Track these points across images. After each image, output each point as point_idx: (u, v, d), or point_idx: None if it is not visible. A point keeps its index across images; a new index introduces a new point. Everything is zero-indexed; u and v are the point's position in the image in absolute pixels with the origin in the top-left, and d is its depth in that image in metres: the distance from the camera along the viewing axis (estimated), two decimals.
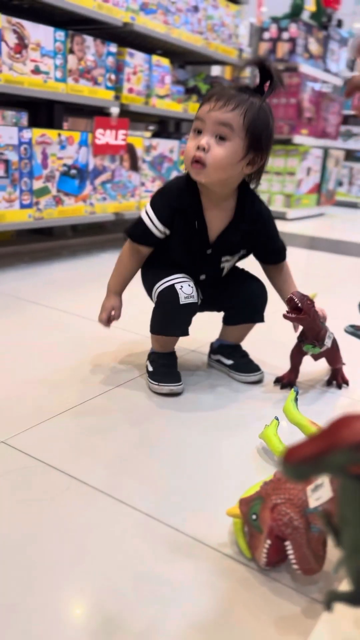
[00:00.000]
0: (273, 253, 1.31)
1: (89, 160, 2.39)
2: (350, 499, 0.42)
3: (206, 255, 1.22)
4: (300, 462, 0.38)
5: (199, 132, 1.12)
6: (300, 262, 3.04)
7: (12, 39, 1.97)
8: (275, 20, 4.46)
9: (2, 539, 0.77)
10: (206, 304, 1.32)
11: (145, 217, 1.20)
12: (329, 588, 0.71)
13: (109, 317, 1.29)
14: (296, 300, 1.20)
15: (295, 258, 3.09)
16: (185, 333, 1.25)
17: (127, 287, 1.30)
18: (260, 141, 1.12)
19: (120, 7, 2.41)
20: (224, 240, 1.21)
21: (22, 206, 2.14)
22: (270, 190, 4.67)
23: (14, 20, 1.97)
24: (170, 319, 1.23)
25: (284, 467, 0.39)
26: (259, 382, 1.32)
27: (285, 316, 1.21)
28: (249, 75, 3.63)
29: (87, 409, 1.14)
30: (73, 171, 2.32)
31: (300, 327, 1.27)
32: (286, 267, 1.35)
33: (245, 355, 1.37)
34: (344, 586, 0.69)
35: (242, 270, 1.36)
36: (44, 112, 2.49)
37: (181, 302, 1.18)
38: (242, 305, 1.33)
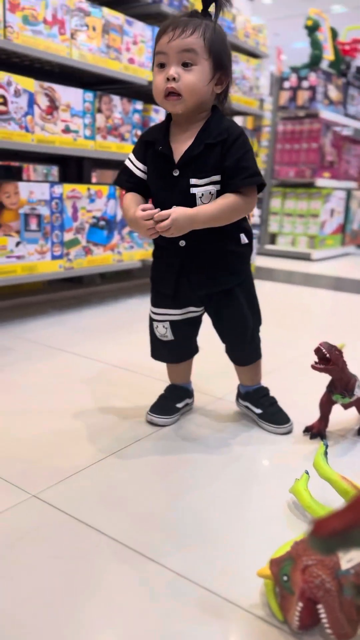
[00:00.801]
0: (232, 173, 1.12)
1: (117, 211, 2.47)
2: None
3: (174, 179, 1.15)
4: (328, 536, 0.39)
5: (162, 65, 1.11)
6: (327, 304, 3.04)
7: (44, 102, 2.09)
8: (294, 70, 4.61)
9: (32, 594, 0.77)
10: (193, 282, 1.23)
11: (127, 160, 1.23)
12: None
13: (148, 218, 1.08)
14: (324, 350, 1.20)
15: (321, 299, 3.10)
16: (168, 361, 1.38)
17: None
18: (222, 59, 1.12)
19: (145, 68, 2.53)
20: (187, 157, 1.14)
21: (54, 257, 2.21)
22: (293, 232, 4.72)
23: (46, 84, 2.09)
24: (153, 346, 1.36)
25: (312, 541, 0.39)
26: (287, 433, 1.32)
27: (313, 367, 1.22)
28: None
29: (116, 461, 1.15)
30: (102, 222, 2.41)
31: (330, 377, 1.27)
32: (238, 199, 1.13)
33: (273, 403, 1.37)
34: None
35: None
36: (73, 166, 2.61)
37: (157, 337, 1.32)
38: (225, 339, 1.32)
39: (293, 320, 2.52)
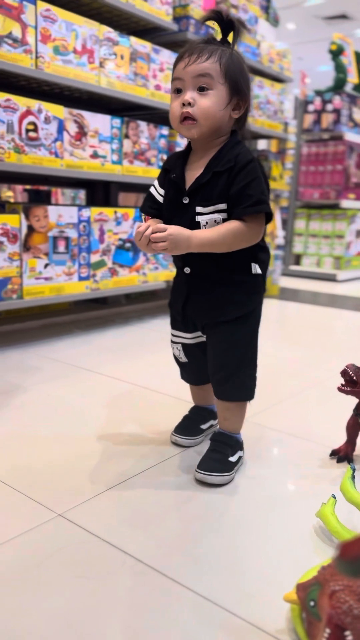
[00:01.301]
0: (236, 201, 1.10)
1: None
2: None
3: (183, 206, 1.15)
4: (355, 559, 0.39)
5: (178, 91, 1.11)
6: (353, 325, 3.01)
7: (73, 128, 2.15)
8: (319, 93, 4.65)
9: (55, 614, 0.78)
10: (194, 309, 1.21)
11: (152, 187, 1.24)
12: None
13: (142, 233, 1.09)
14: (351, 373, 1.20)
15: (346, 321, 3.07)
16: (190, 382, 1.37)
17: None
18: (239, 84, 1.12)
19: None
20: (196, 185, 1.13)
21: (80, 278, 2.26)
22: (319, 252, 4.70)
23: (75, 111, 2.15)
24: (178, 366, 1.37)
25: (339, 564, 0.39)
26: (200, 481, 1.16)
27: (339, 389, 1.21)
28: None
29: (140, 482, 1.15)
30: (127, 244, 2.45)
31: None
32: (241, 227, 1.09)
33: (216, 450, 1.20)
34: None
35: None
36: (100, 190, 2.67)
37: (176, 357, 1.34)
38: (211, 369, 1.22)
39: (319, 342, 2.50)
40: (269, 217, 1.13)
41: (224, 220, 1.12)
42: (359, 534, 0.40)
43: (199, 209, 1.13)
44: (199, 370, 1.32)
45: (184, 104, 1.09)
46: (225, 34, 1.14)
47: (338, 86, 4.59)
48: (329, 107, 4.55)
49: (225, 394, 1.21)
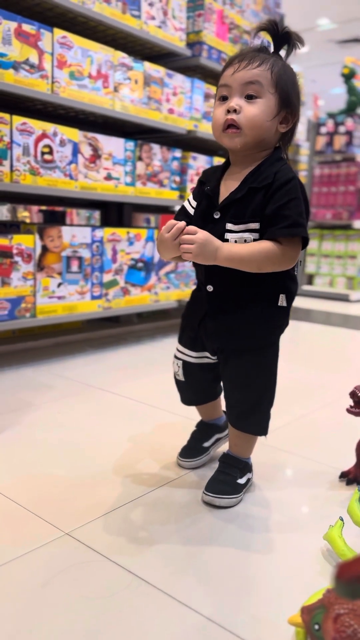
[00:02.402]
0: (271, 221, 1.03)
1: (154, 253, 2.54)
2: None
3: (214, 220, 1.09)
4: (352, 580, 0.39)
5: (224, 98, 1.06)
6: None
7: (87, 151, 2.20)
8: (331, 115, 4.70)
9: (61, 634, 0.78)
10: (210, 325, 1.15)
11: (186, 200, 1.19)
12: None
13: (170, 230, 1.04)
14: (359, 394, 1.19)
15: (359, 342, 3.06)
16: (187, 403, 1.33)
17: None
18: (290, 97, 1.05)
19: (184, 117, 2.64)
20: (229, 200, 1.07)
21: (93, 297, 2.28)
22: (331, 273, 4.70)
23: (90, 135, 2.20)
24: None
25: (336, 584, 0.40)
26: (208, 503, 1.15)
27: (348, 411, 1.20)
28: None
29: (149, 501, 1.15)
30: (140, 264, 2.48)
31: None
32: (274, 248, 1.02)
33: (224, 471, 1.19)
34: None
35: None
36: (114, 211, 2.71)
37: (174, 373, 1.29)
38: (226, 400, 1.20)
39: (330, 362, 2.49)
40: (305, 242, 1.06)
41: (255, 241, 1.06)
42: (356, 555, 0.40)
43: (229, 225, 1.06)
44: (196, 391, 1.30)
45: (228, 111, 1.04)
46: (278, 47, 1.09)
47: (350, 108, 4.64)
48: (342, 129, 4.59)
49: (240, 426, 1.18)
